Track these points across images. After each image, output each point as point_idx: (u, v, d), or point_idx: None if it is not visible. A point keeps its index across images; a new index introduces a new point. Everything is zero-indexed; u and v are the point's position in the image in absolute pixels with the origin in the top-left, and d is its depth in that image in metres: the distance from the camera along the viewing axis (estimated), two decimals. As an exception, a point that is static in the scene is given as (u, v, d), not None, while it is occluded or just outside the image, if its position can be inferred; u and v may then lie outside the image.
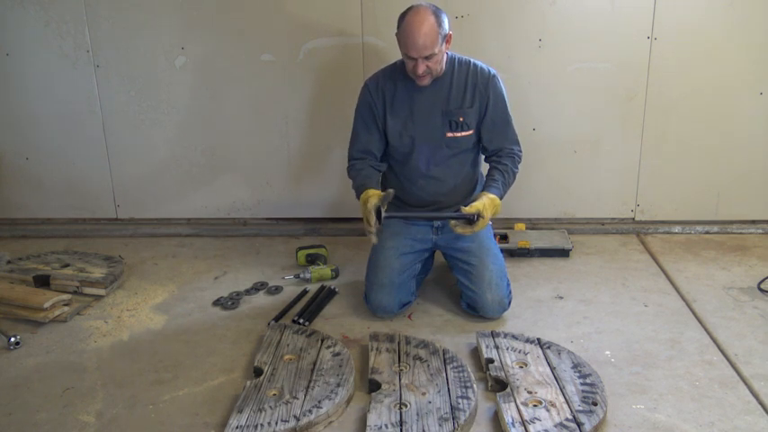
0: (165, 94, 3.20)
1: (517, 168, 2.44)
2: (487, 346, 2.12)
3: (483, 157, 2.56)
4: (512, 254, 2.93)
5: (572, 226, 3.24)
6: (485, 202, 2.27)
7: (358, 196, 2.36)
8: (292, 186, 3.31)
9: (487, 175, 2.42)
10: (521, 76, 3.04)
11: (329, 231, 3.31)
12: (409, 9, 2.24)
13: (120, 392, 2.01)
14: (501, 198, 2.34)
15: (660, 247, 3.04)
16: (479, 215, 2.24)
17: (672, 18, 2.94)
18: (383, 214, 2.23)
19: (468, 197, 2.54)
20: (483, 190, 2.35)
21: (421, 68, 2.25)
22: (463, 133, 2.41)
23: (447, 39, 2.27)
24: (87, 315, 2.52)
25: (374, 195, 2.27)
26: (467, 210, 2.25)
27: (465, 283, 2.41)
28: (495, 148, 2.45)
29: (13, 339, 2.28)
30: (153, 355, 2.22)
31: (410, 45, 2.21)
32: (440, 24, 2.21)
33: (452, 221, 2.31)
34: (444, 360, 2.06)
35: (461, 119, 2.39)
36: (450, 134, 2.41)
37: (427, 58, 2.23)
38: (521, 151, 2.47)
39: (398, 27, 2.26)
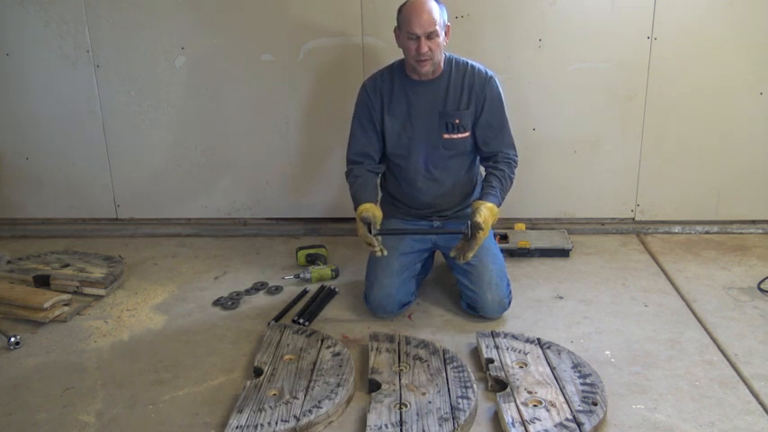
0: (165, 94, 3.20)
1: (514, 174, 2.42)
2: (487, 346, 2.12)
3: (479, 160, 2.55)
4: (512, 254, 2.93)
5: (572, 226, 3.24)
6: (485, 215, 2.22)
7: (355, 207, 2.36)
8: (292, 186, 3.31)
9: (485, 182, 2.38)
10: (521, 76, 3.04)
11: (329, 231, 3.31)
12: None
13: (120, 392, 2.01)
14: (499, 206, 2.31)
15: (660, 247, 3.04)
16: (478, 227, 2.19)
17: (672, 18, 2.94)
18: (373, 231, 2.25)
19: (467, 199, 2.54)
20: (480, 198, 2.32)
21: (424, 47, 2.24)
22: (459, 135, 2.41)
23: (446, 29, 2.30)
24: (87, 315, 2.52)
25: (368, 211, 2.29)
26: (475, 219, 2.19)
27: (465, 283, 2.41)
28: (491, 152, 2.44)
29: (13, 339, 2.28)
30: (153, 355, 2.22)
31: (413, 22, 2.22)
32: (441, 8, 2.27)
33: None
34: (444, 360, 2.06)
35: (457, 121, 2.39)
36: (446, 136, 2.40)
37: (429, 37, 2.23)
38: (516, 156, 2.45)
39: (399, 14, 2.29)
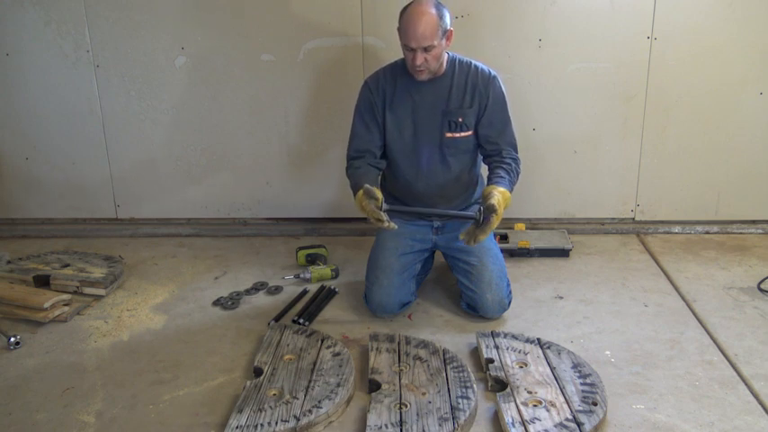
0: (166, 94, 3.20)
1: (519, 169, 2.41)
2: (487, 346, 2.12)
3: (482, 158, 2.55)
4: (512, 254, 2.93)
5: (572, 226, 3.24)
6: (497, 198, 2.16)
7: (355, 192, 2.30)
8: (292, 186, 3.31)
9: (491, 173, 2.35)
10: (521, 76, 3.04)
11: (329, 231, 3.31)
12: (412, 2, 2.24)
13: (120, 392, 2.01)
14: (510, 192, 2.26)
15: (660, 247, 3.04)
16: (492, 209, 2.13)
17: (672, 18, 2.94)
18: (383, 206, 2.18)
19: (468, 199, 2.54)
20: (491, 184, 2.26)
21: (419, 60, 2.22)
22: (462, 134, 2.41)
23: (448, 35, 2.26)
24: (87, 315, 2.52)
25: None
26: (490, 202, 2.13)
27: (465, 283, 2.41)
28: (494, 150, 2.43)
29: (13, 339, 2.28)
30: (153, 355, 2.22)
31: (410, 35, 2.19)
32: (441, 18, 2.20)
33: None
34: (444, 360, 2.06)
35: (461, 119, 2.39)
36: (449, 134, 2.40)
37: (426, 50, 2.21)
38: (518, 155, 2.43)
39: (400, 20, 2.25)
